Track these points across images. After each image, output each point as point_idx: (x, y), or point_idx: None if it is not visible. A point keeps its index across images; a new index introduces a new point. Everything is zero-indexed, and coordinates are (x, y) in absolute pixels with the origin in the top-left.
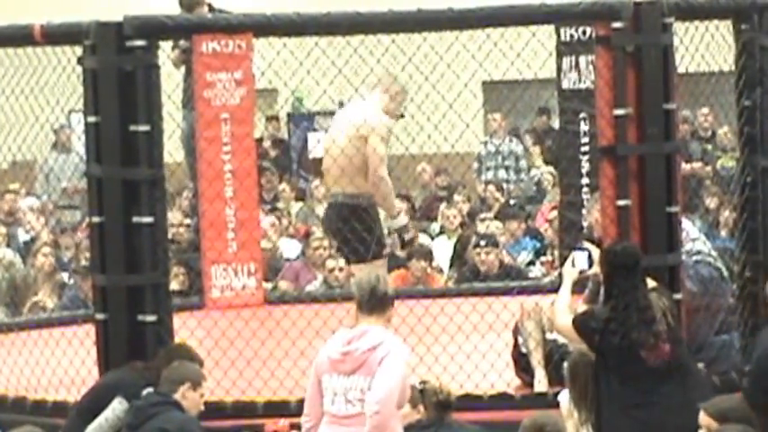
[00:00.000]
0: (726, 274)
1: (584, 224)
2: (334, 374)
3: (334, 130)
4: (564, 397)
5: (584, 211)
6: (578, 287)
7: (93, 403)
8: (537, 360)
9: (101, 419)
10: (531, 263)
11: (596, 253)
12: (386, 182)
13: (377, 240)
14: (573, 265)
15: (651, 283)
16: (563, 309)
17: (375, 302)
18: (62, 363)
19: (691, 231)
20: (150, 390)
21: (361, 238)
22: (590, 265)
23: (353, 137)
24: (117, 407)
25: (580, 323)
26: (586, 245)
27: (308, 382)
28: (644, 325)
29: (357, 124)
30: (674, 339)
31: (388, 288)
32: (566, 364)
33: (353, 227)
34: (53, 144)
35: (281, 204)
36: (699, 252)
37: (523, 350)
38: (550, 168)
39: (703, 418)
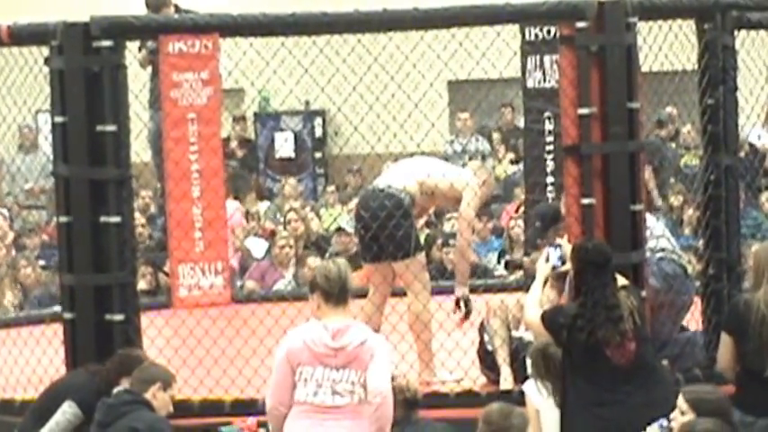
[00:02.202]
0: (690, 271)
1: None
2: (320, 367)
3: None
4: (529, 387)
5: None
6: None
7: (46, 405)
8: (503, 358)
9: (51, 424)
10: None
11: (569, 250)
12: (467, 251)
13: (415, 235)
14: (546, 260)
15: (621, 281)
16: (533, 304)
17: (344, 295)
18: (30, 362)
19: (656, 228)
20: (121, 388)
21: (403, 234)
22: (563, 262)
23: (451, 176)
24: (67, 410)
25: (548, 319)
26: (560, 241)
27: (275, 372)
28: (611, 323)
29: (459, 172)
30: (640, 339)
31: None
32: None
33: (395, 222)
34: (19, 145)
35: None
36: (663, 249)
37: (489, 348)
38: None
39: (681, 401)
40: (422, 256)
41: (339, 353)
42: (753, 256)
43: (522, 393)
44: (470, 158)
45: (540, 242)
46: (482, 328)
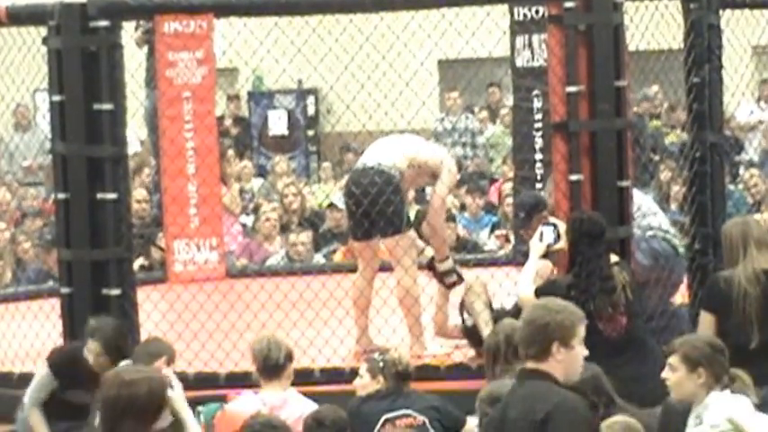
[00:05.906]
0: (681, 250)
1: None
2: None
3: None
4: None
5: (537, 186)
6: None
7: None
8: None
9: (31, 384)
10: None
11: (563, 228)
12: (444, 228)
13: (405, 212)
14: (541, 239)
15: (613, 257)
16: (528, 281)
17: (271, 369)
18: (28, 336)
19: (650, 206)
20: (129, 362)
21: (394, 210)
22: (557, 240)
23: (431, 153)
24: (40, 371)
25: (542, 293)
26: (553, 220)
27: None
28: (604, 294)
29: (439, 151)
30: (632, 313)
31: (282, 350)
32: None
33: (386, 199)
34: (15, 124)
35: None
36: (659, 227)
37: (469, 324)
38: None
39: (674, 359)
40: (411, 232)
41: None
42: (723, 235)
43: None
44: (459, 136)
45: (523, 232)
46: (462, 307)
